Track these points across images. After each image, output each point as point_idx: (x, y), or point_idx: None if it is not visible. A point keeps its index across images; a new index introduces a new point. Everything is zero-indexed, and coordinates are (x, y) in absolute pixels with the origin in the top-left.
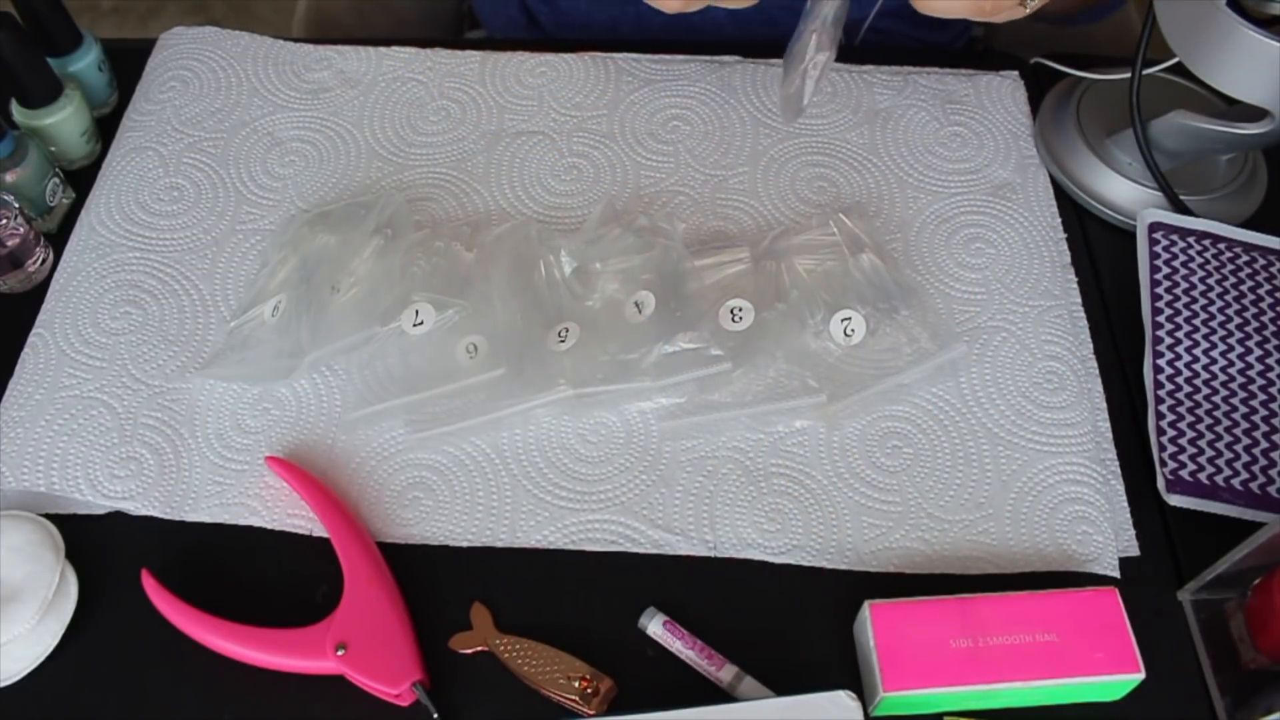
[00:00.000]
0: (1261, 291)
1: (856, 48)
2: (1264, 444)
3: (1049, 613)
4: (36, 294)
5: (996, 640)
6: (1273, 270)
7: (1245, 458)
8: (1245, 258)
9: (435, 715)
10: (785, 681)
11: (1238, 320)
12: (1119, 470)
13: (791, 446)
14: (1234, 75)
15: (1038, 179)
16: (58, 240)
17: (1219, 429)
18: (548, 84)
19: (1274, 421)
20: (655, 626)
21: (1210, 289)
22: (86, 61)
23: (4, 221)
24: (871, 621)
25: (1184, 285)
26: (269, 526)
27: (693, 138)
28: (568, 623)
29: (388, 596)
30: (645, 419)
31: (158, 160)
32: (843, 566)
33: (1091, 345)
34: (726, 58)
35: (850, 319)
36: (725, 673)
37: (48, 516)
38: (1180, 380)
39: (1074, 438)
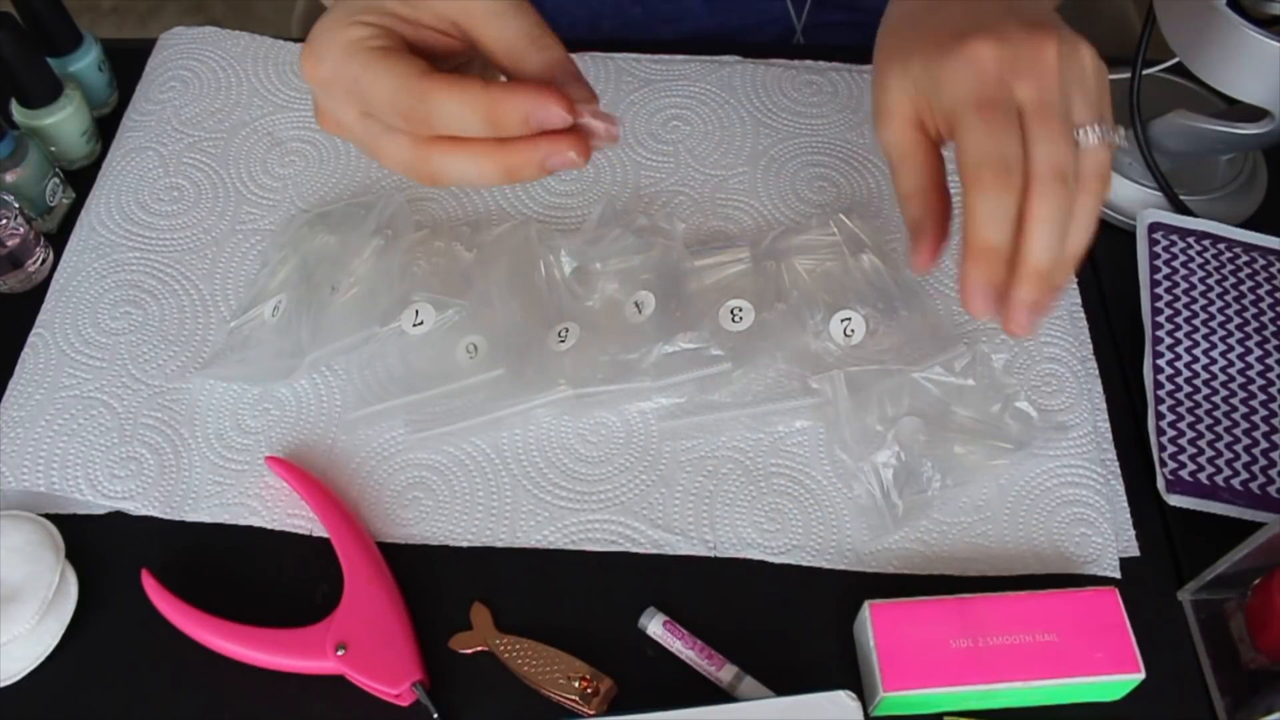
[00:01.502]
0: (1261, 291)
1: (856, 49)
2: (1264, 444)
3: (1049, 613)
4: (37, 294)
5: (996, 640)
6: (1273, 270)
7: (1245, 458)
8: (1245, 258)
9: (435, 715)
10: (785, 681)
11: (1238, 320)
12: (1119, 470)
13: (791, 446)
14: (1234, 75)
15: None
16: (58, 240)
17: (1219, 429)
18: None
19: (1274, 421)
20: (655, 626)
21: (1210, 289)
22: (86, 61)
23: (4, 221)
24: (871, 621)
25: (1184, 285)
26: (269, 526)
27: (693, 138)
28: (568, 623)
29: (388, 596)
30: (645, 419)
31: (158, 160)
32: (842, 567)
33: (1091, 346)
34: (726, 58)
35: (850, 319)
36: (725, 673)
37: (48, 516)
38: (1180, 380)
39: (1074, 439)
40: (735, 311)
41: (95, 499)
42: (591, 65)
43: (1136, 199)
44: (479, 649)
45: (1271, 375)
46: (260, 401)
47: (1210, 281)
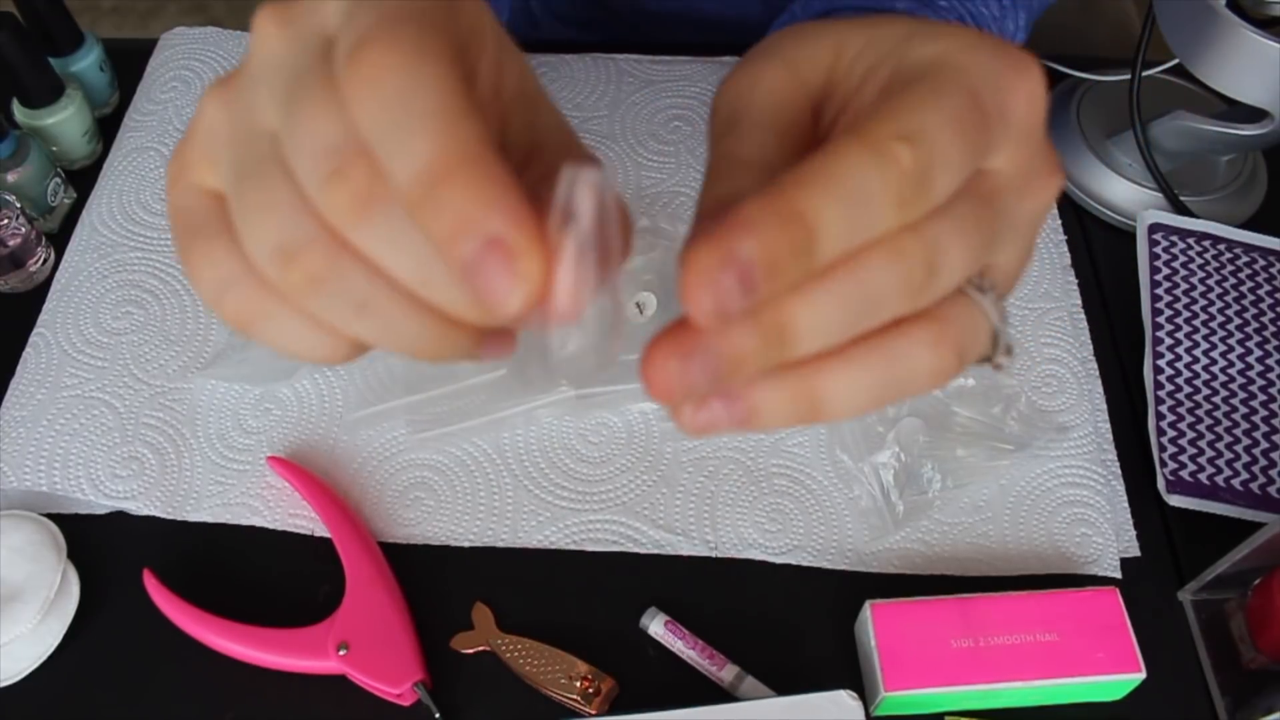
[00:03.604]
0: (1261, 292)
1: None
2: (1264, 444)
3: (1050, 612)
4: (38, 294)
5: (997, 640)
6: (1273, 271)
7: (1245, 458)
8: (1245, 258)
9: (437, 715)
10: (786, 681)
11: (1238, 321)
12: (1119, 471)
13: (792, 447)
14: (1234, 76)
15: None
16: (59, 240)
17: (1219, 429)
18: (548, 84)
19: (1274, 421)
20: (656, 626)
21: (1210, 290)
22: (88, 61)
23: (5, 221)
24: (873, 621)
25: (1184, 286)
26: (271, 526)
27: (694, 138)
28: (569, 622)
29: (389, 596)
30: (646, 419)
31: (159, 160)
32: (843, 567)
33: (1091, 347)
34: (727, 58)
35: None
36: (726, 672)
37: (49, 516)
38: (1180, 381)
39: (1074, 440)
40: None
41: (97, 499)
42: (592, 66)
43: (1136, 199)
44: (480, 649)
45: (1271, 375)
46: (262, 401)
47: (1210, 282)
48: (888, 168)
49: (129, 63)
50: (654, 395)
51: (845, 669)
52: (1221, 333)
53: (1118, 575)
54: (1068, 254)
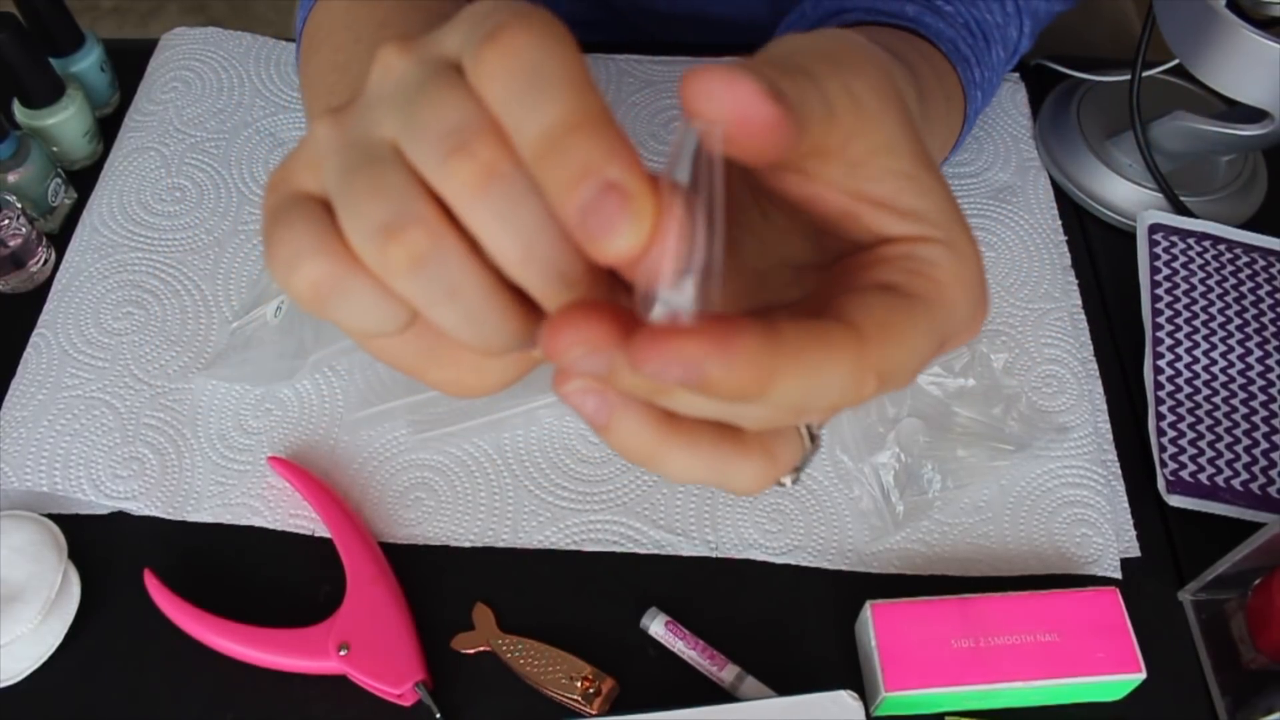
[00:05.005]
0: (1261, 292)
1: None
2: (1264, 444)
3: (1050, 612)
4: (39, 294)
5: (998, 640)
6: (1273, 271)
7: (1245, 458)
8: (1245, 259)
9: (438, 715)
10: (787, 681)
11: (1238, 321)
12: (1120, 471)
13: None
14: (1234, 77)
15: (1038, 182)
16: (60, 240)
17: (1219, 429)
18: None
19: (1274, 422)
20: (657, 626)
21: (1210, 290)
22: (89, 62)
23: (6, 222)
24: (873, 621)
25: (1184, 286)
26: (271, 527)
27: None
28: (570, 622)
29: (390, 597)
30: None
31: (160, 161)
32: (844, 567)
33: (1092, 347)
34: (728, 59)
35: None
36: (727, 673)
37: (50, 516)
38: (1180, 381)
39: (1074, 440)
40: None
41: (98, 499)
42: (592, 66)
43: (1136, 200)
44: (481, 649)
45: (1271, 375)
46: (262, 402)
47: (1210, 282)
48: (852, 389)
49: (129, 63)
50: (547, 350)
51: (845, 669)
52: (1221, 333)
53: (1118, 575)
54: (1068, 254)
